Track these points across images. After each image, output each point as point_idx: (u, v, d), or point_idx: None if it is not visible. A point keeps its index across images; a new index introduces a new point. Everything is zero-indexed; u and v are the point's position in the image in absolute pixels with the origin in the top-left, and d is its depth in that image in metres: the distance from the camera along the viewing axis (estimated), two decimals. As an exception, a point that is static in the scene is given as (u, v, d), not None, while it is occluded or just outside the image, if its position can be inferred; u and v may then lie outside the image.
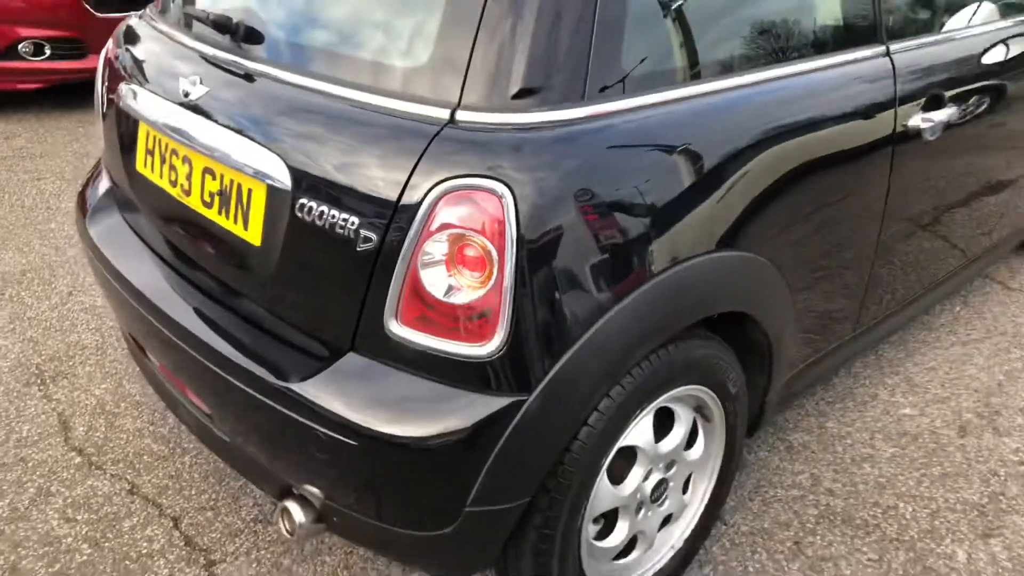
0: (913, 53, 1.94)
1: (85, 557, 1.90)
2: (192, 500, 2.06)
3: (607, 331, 1.36)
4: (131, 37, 2.00)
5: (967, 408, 2.40)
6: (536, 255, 1.29)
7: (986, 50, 2.21)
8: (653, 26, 1.49)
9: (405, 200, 1.31)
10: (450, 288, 1.31)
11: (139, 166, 1.83)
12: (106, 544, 1.93)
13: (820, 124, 1.70)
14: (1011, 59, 2.27)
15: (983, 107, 2.16)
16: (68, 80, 4.56)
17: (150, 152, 1.78)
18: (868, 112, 1.81)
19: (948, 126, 2.01)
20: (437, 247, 1.30)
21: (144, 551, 1.91)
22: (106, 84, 2.02)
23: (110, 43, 2.11)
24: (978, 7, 2.31)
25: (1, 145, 4.23)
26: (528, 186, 1.28)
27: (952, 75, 2.03)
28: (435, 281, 1.32)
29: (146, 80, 1.81)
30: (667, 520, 1.77)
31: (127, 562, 1.88)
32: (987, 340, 2.71)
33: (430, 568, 1.58)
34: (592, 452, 1.45)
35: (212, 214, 1.61)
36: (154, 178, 1.77)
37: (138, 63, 1.88)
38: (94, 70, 4.41)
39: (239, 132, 1.52)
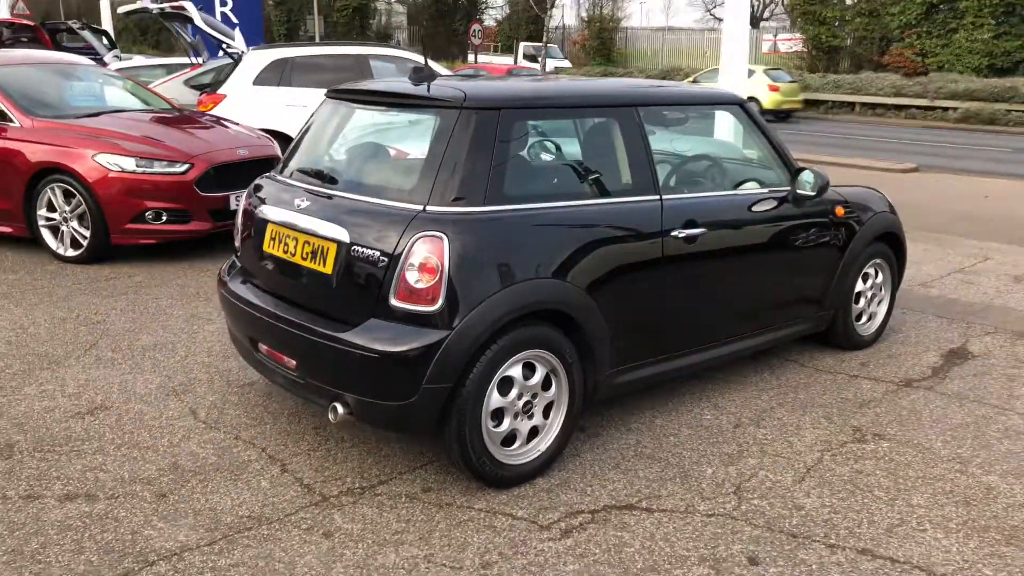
0: (677, 200, 3.62)
1: (213, 460, 3.38)
2: (272, 440, 3.56)
3: (490, 304, 2.96)
4: (258, 187, 3.74)
5: (746, 416, 3.88)
6: (457, 268, 2.92)
7: (752, 204, 3.92)
8: (521, 176, 3.21)
9: (402, 242, 2.96)
10: (418, 280, 2.93)
11: (265, 247, 3.50)
12: (225, 456, 3.42)
13: (617, 227, 3.36)
14: (757, 212, 3.97)
15: (731, 234, 3.83)
16: (176, 239, 6.38)
17: (273, 239, 3.46)
18: (647, 226, 3.47)
19: (705, 240, 3.65)
20: (414, 262, 2.94)
21: (245, 459, 3.40)
22: (241, 218, 3.73)
23: (244, 197, 3.83)
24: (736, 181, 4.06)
25: (126, 280, 5.96)
26: (455, 238, 2.94)
27: (703, 212, 3.69)
28: (412, 277, 2.94)
29: (273, 203, 3.52)
30: (536, 432, 3.26)
31: (238, 463, 3.36)
32: (775, 389, 4.21)
33: (404, 428, 3.10)
34: (485, 370, 3.00)
35: (307, 263, 3.26)
36: (274, 251, 3.44)
37: (265, 197, 3.60)
38: (196, 231, 6.27)
39: (324, 220, 3.20)
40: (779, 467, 3.42)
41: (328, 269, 3.17)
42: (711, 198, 3.88)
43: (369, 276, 3.04)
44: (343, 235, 3.12)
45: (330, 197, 3.31)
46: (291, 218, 3.37)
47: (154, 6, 9.68)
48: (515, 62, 22.17)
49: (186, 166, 6.30)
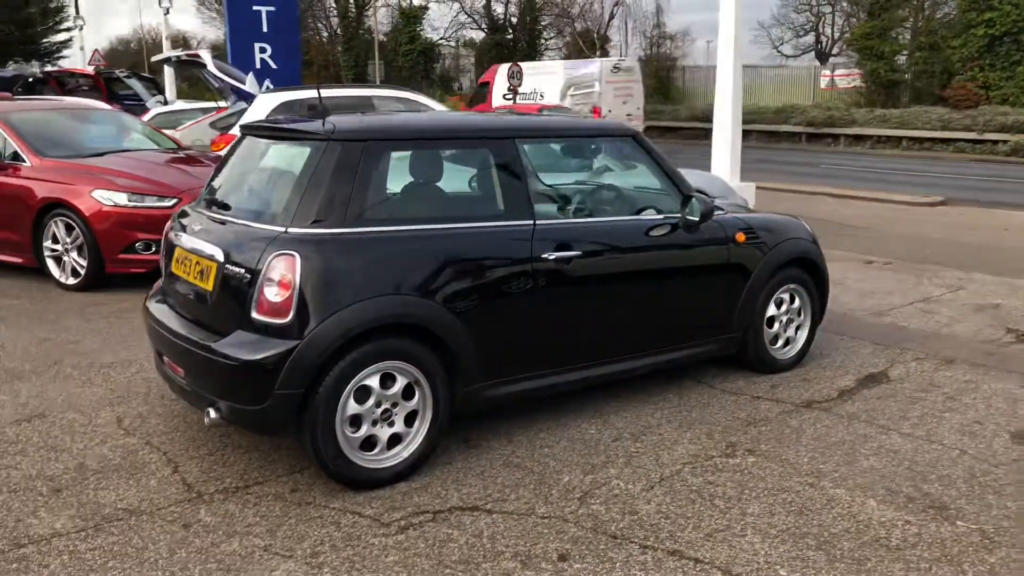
0: (552, 225, 3.86)
1: (117, 461, 3.73)
2: (177, 445, 3.88)
3: (339, 318, 3.24)
4: (181, 215, 4.12)
5: (629, 431, 4.04)
6: (308, 284, 3.22)
7: (643, 230, 4.13)
8: (385, 201, 3.50)
9: (261, 260, 3.28)
10: (275, 295, 3.24)
11: (173, 269, 3.87)
12: (129, 458, 3.76)
13: (482, 249, 3.61)
14: (645, 237, 4.16)
15: (613, 258, 4.03)
16: (163, 268, 6.86)
17: (178, 261, 3.82)
18: (516, 249, 3.71)
19: (581, 263, 3.87)
20: (272, 278, 3.25)
21: (146, 461, 3.73)
22: (163, 244, 4.11)
23: (169, 222, 4.21)
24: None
25: (114, 306, 6.44)
26: (308, 257, 3.24)
27: (580, 237, 3.91)
28: (270, 292, 3.25)
29: (181, 230, 3.89)
30: (399, 439, 3.51)
31: (138, 464, 3.70)
32: (672, 408, 4.36)
33: (263, 431, 3.39)
34: (338, 378, 3.27)
35: (196, 281, 3.60)
36: (178, 271, 3.80)
37: (179, 225, 3.97)
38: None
39: (208, 242, 3.55)
40: (636, 477, 3.58)
41: (209, 286, 3.51)
42: (591, 223, 4.11)
43: (237, 291, 3.36)
44: (220, 255, 3.46)
45: (223, 222, 3.66)
46: (189, 242, 3.72)
47: (173, 55, 10.39)
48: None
49: (174, 200, 6.78)
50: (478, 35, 54.98)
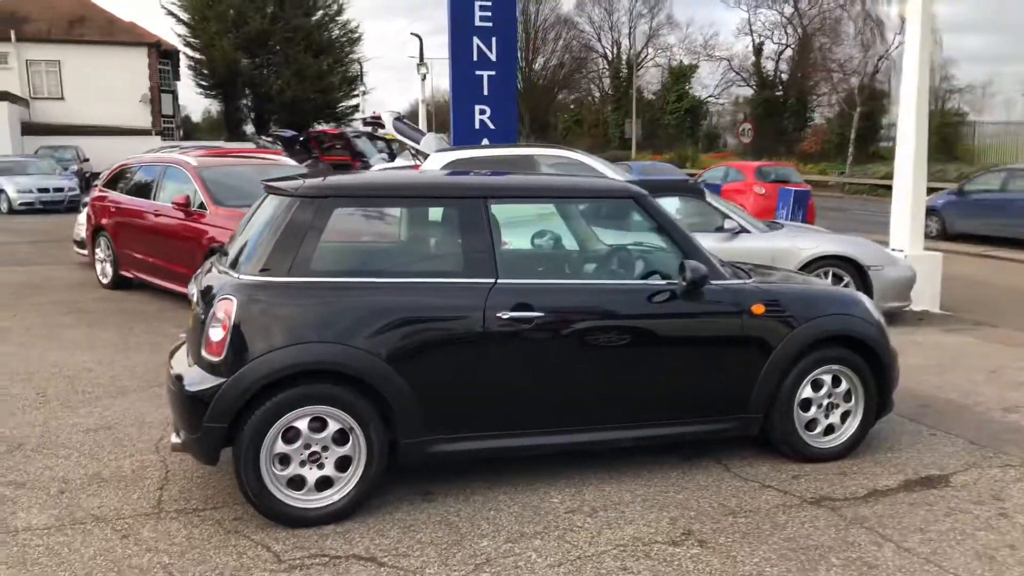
0: (512, 284, 3.82)
1: (127, 473, 4.21)
2: (185, 466, 4.30)
3: (265, 360, 3.48)
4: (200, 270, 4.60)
5: (592, 504, 3.85)
6: (240, 326, 3.50)
7: (645, 295, 4.00)
8: (336, 254, 3.70)
9: (212, 303, 3.61)
10: (216, 335, 3.55)
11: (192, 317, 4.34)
12: (137, 472, 4.23)
13: (427, 304, 3.69)
14: (629, 302, 3.99)
15: (587, 321, 3.90)
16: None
17: (192, 305, 4.28)
18: (467, 306, 3.73)
19: (543, 323, 3.80)
20: (217, 319, 3.56)
21: (148, 477, 4.18)
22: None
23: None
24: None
25: (248, 339, 7.21)
26: (244, 302, 3.53)
27: (543, 298, 3.84)
28: (212, 333, 3.57)
29: (197, 284, 4.35)
30: (330, 483, 3.64)
31: (139, 479, 4.15)
32: (661, 486, 4.07)
33: (199, 459, 3.67)
34: (264, 417, 3.50)
35: (191, 322, 4.02)
36: (191, 320, 4.26)
37: (203, 271, 4.44)
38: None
39: (196, 288, 3.95)
40: (556, 552, 3.41)
41: (191, 325, 3.91)
42: (568, 285, 4.02)
43: (200, 331, 3.72)
44: (196, 297, 3.85)
45: (218, 271, 4.06)
46: (193, 287, 4.17)
47: (358, 117, 11.44)
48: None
49: (311, 248, 7.48)
50: (747, 92, 54.13)
